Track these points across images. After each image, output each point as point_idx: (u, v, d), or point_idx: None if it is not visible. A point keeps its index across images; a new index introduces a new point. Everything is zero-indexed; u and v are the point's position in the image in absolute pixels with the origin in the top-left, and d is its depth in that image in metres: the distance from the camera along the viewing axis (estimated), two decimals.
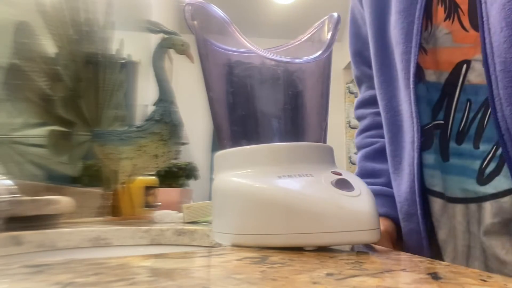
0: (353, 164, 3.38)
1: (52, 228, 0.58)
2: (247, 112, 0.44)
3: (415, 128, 0.49)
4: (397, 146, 0.54)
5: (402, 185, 0.53)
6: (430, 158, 0.50)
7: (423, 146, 0.50)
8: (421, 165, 0.50)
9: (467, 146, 0.46)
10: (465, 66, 0.46)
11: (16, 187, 0.59)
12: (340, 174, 0.36)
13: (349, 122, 3.53)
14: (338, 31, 0.42)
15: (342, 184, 0.34)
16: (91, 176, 1.00)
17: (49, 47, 0.85)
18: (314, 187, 0.34)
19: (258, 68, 0.43)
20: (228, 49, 0.43)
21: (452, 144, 0.48)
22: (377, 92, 0.57)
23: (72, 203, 0.66)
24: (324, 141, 0.44)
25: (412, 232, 0.53)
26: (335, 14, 0.43)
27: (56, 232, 0.57)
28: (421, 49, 0.49)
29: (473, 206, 0.46)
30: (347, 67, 3.61)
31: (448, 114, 0.48)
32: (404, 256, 0.34)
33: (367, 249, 0.37)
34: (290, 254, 0.30)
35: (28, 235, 0.54)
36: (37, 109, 0.85)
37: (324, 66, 0.44)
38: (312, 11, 3.13)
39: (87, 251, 0.58)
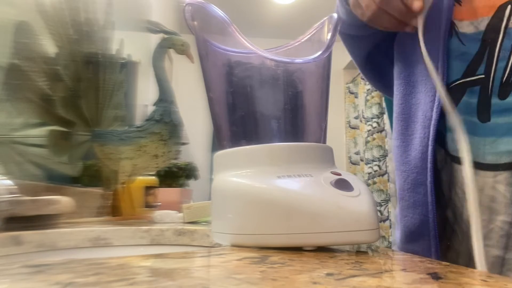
0: (353, 164, 3.38)
1: (52, 228, 0.58)
2: (246, 112, 0.44)
3: (439, 85, 0.44)
4: (409, 109, 0.49)
5: (412, 151, 0.48)
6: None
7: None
8: (444, 129, 0.46)
9: None
10: (509, 7, 0.42)
11: (16, 187, 0.59)
12: (340, 174, 0.36)
13: (349, 122, 3.52)
14: (337, 31, 0.42)
15: (342, 184, 0.34)
16: (91, 176, 1.00)
17: (49, 47, 0.85)
18: (314, 187, 0.34)
19: (258, 69, 0.43)
20: (228, 50, 0.43)
21: (495, 100, 0.43)
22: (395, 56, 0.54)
23: (72, 203, 0.66)
24: (324, 141, 0.44)
25: (416, 204, 0.48)
26: (335, 15, 0.43)
27: (56, 232, 0.57)
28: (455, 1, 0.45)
29: None
30: (347, 67, 3.61)
31: (489, 65, 0.43)
32: (404, 256, 0.34)
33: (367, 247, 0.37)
34: (290, 254, 0.30)
35: (28, 235, 0.54)
36: (37, 109, 0.85)
37: (324, 67, 0.44)
38: (312, 12, 3.13)
39: (87, 251, 0.58)
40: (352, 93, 3.54)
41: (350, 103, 3.55)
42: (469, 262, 0.47)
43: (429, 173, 0.46)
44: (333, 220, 0.32)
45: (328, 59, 0.43)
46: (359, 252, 0.34)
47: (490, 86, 0.43)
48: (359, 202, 0.33)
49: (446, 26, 0.45)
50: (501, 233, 0.43)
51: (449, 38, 0.46)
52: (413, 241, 0.49)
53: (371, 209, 0.33)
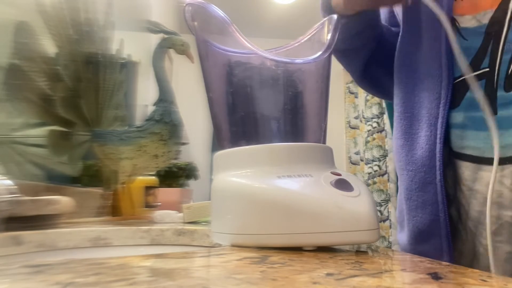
0: (353, 164, 3.38)
1: (52, 228, 0.58)
2: (246, 113, 0.44)
3: (444, 82, 0.44)
4: (412, 107, 0.49)
5: (418, 150, 0.48)
6: (458, 116, 0.45)
7: (451, 103, 0.45)
8: (448, 126, 0.45)
9: None
10: None
11: (16, 187, 0.59)
12: (340, 175, 0.36)
13: (349, 122, 3.52)
14: (337, 32, 0.42)
15: (342, 184, 0.34)
16: (91, 176, 1.00)
17: (49, 47, 0.85)
18: (314, 187, 0.34)
19: (258, 69, 0.43)
20: (228, 50, 0.43)
21: (500, 93, 0.43)
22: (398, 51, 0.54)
23: (72, 203, 0.66)
24: (324, 142, 0.44)
25: (425, 204, 0.47)
26: (335, 16, 0.44)
27: (56, 232, 0.57)
28: None
29: None
30: None
31: (494, 58, 0.43)
32: (404, 256, 0.34)
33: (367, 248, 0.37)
34: (290, 254, 0.30)
35: (28, 235, 0.54)
36: (37, 109, 0.85)
37: (324, 67, 0.44)
38: (312, 12, 3.13)
39: (87, 251, 0.58)
40: (352, 93, 3.54)
41: (350, 103, 3.55)
42: (472, 262, 0.47)
43: (438, 172, 0.45)
44: (333, 220, 0.32)
45: (328, 59, 0.43)
46: (359, 252, 0.34)
47: (495, 79, 0.43)
48: (359, 202, 0.33)
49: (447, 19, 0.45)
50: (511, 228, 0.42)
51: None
52: (423, 241, 0.49)
53: (371, 209, 0.33)
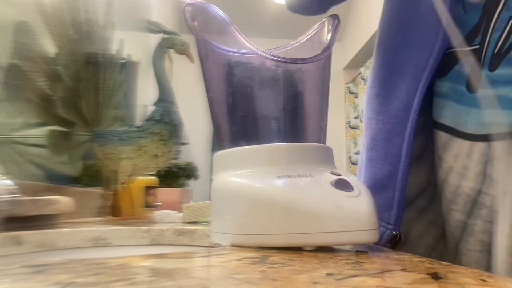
0: (353, 164, 3.38)
1: (52, 228, 0.58)
2: (246, 113, 0.44)
3: (439, 38, 0.43)
4: (398, 58, 0.48)
5: (394, 100, 0.47)
6: (444, 86, 0.45)
7: (439, 71, 0.45)
8: (431, 95, 0.45)
9: (503, 71, 0.41)
10: None
11: (16, 187, 0.59)
12: (340, 175, 0.36)
13: (349, 122, 3.53)
14: (337, 32, 0.42)
15: (342, 184, 0.34)
16: (91, 176, 1.00)
17: (49, 47, 0.85)
18: (314, 187, 0.34)
19: (258, 69, 0.43)
20: (228, 50, 0.43)
21: (485, 72, 0.42)
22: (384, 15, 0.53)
23: (72, 203, 0.66)
24: (324, 142, 0.44)
25: (388, 155, 0.46)
26: (335, 16, 0.44)
27: (56, 232, 0.57)
28: None
29: (500, 145, 0.41)
30: (347, 67, 3.61)
31: (484, 37, 0.43)
32: (404, 256, 0.34)
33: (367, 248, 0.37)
34: (290, 254, 0.30)
35: (28, 235, 0.54)
36: (37, 109, 0.85)
37: (324, 67, 0.44)
38: None
39: (87, 251, 0.58)
40: (352, 93, 3.54)
41: (350, 103, 3.55)
42: (444, 229, 0.47)
43: (409, 124, 0.44)
44: (333, 220, 0.32)
45: (328, 60, 0.43)
46: (359, 252, 0.34)
47: (482, 57, 0.43)
48: (359, 202, 0.33)
49: None
50: (468, 199, 0.43)
51: (455, 4, 0.45)
52: (374, 193, 0.49)
53: (371, 209, 0.33)
